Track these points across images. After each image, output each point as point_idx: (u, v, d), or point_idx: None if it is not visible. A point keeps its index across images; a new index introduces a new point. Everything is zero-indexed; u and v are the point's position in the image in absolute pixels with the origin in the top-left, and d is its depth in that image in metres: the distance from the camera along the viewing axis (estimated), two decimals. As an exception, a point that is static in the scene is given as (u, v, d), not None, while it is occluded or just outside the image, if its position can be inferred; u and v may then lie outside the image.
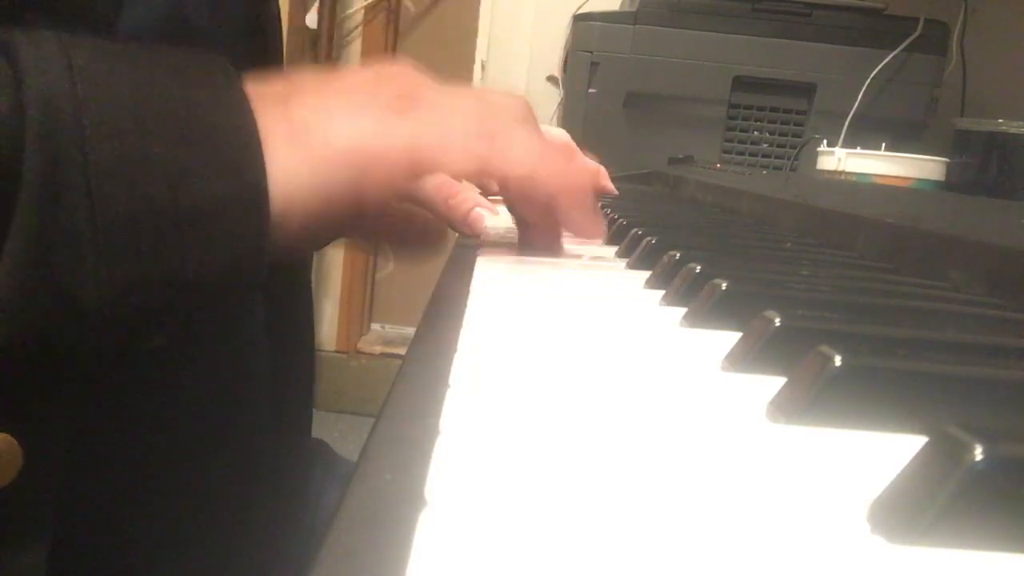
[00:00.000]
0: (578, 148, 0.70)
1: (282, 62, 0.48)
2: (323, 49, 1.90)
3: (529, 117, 0.38)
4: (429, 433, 0.17)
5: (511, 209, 0.45)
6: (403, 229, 0.42)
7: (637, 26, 1.26)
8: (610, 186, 0.75)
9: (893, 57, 1.23)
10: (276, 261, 0.31)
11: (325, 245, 0.42)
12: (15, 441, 0.27)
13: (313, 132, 0.31)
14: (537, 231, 0.43)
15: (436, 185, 0.56)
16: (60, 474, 0.29)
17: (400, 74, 0.35)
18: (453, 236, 0.55)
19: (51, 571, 0.29)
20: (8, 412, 0.27)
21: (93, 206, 0.25)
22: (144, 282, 0.27)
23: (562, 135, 0.67)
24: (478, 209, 0.55)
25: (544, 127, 0.64)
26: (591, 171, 0.40)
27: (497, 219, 0.56)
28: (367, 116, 0.32)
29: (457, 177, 0.35)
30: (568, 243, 0.51)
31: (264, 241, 0.29)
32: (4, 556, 0.28)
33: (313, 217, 0.31)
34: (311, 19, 1.84)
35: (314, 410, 0.59)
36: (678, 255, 0.36)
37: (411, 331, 1.14)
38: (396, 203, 0.40)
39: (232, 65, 0.31)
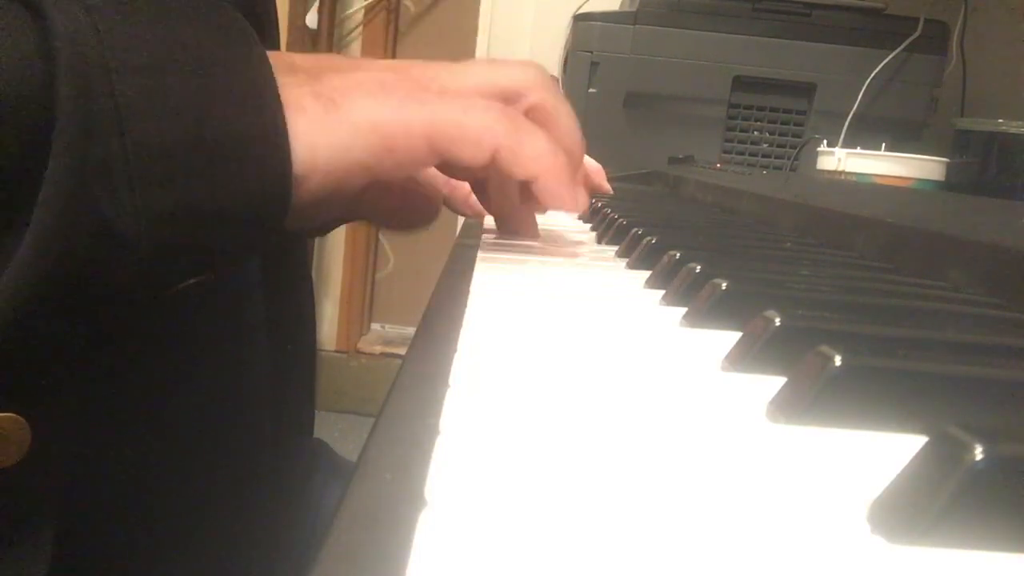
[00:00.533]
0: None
1: None
2: (323, 49, 1.90)
3: (548, 89, 0.40)
4: (429, 433, 0.17)
5: (487, 186, 0.47)
6: (399, 203, 0.43)
7: (637, 26, 1.26)
8: (606, 186, 0.75)
9: (893, 57, 1.24)
10: (269, 254, 0.31)
11: (327, 230, 0.42)
12: (24, 421, 0.28)
13: (340, 103, 0.32)
14: (517, 215, 0.46)
15: (434, 173, 0.56)
16: (68, 457, 0.30)
17: (423, 64, 0.37)
18: (453, 235, 0.55)
19: (56, 552, 0.29)
20: (18, 392, 0.28)
21: (124, 137, 0.26)
22: (177, 212, 0.28)
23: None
24: None
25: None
26: (581, 206, 0.41)
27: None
28: (392, 97, 0.34)
29: (468, 168, 0.36)
30: (568, 243, 0.51)
31: (287, 177, 0.30)
32: (10, 536, 0.28)
33: (331, 183, 0.32)
34: (311, 19, 1.84)
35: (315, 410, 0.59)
36: (678, 255, 0.36)
37: (411, 331, 1.14)
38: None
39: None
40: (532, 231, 0.48)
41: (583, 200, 0.41)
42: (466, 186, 0.55)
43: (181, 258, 0.29)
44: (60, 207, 0.25)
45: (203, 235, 0.29)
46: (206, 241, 0.29)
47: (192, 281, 0.31)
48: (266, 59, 0.31)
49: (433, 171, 0.56)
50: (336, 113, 0.32)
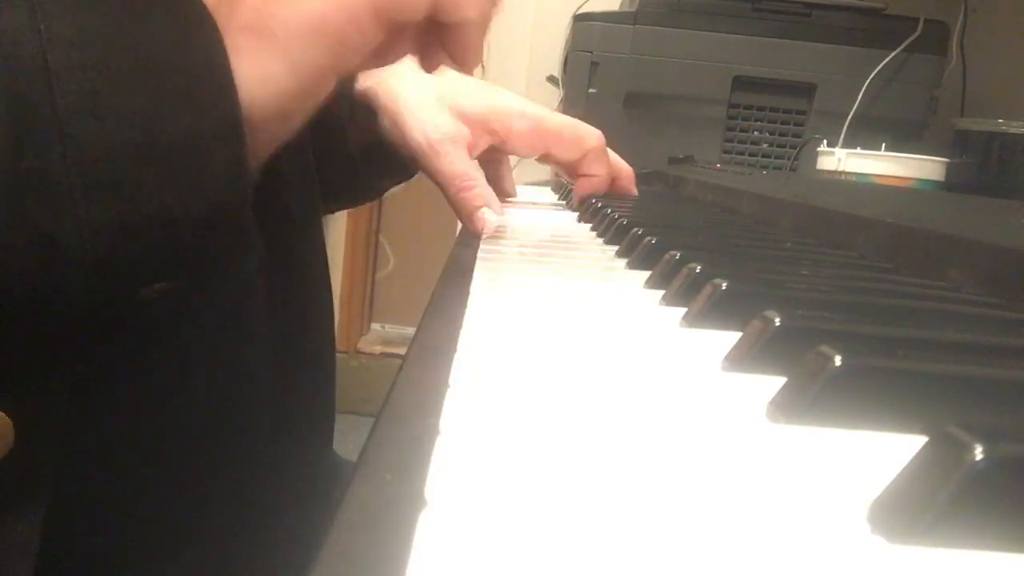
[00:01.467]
0: (606, 152, 0.71)
1: None
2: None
3: None
4: (429, 433, 0.17)
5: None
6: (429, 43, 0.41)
7: (637, 26, 1.26)
8: (634, 190, 0.76)
9: (893, 57, 1.23)
10: (268, 256, 0.31)
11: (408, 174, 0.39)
12: (7, 418, 0.27)
13: (273, 26, 0.30)
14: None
15: (454, 173, 0.56)
16: (54, 454, 0.29)
17: None
18: (453, 235, 0.55)
19: (44, 548, 0.29)
20: (1, 388, 0.27)
21: (65, 143, 0.25)
22: (126, 221, 0.26)
23: (596, 138, 0.68)
24: (484, 209, 0.55)
25: (578, 126, 0.64)
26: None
27: (503, 220, 0.56)
28: None
29: (414, 17, 0.35)
30: (568, 243, 0.51)
31: (244, 176, 0.29)
32: None
33: (307, 96, 0.31)
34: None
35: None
36: (678, 255, 0.36)
37: (411, 331, 1.14)
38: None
39: None
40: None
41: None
42: (473, 202, 0.55)
43: (133, 266, 0.27)
44: None
45: (154, 241, 0.27)
46: (158, 247, 0.27)
47: (159, 286, 0.28)
48: (219, 36, 0.29)
49: (447, 179, 0.56)
50: (272, 37, 0.30)
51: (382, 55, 0.40)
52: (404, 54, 0.42)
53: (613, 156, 0.73)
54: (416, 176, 0.66)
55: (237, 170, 0.28)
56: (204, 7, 0.29)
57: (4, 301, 0.25)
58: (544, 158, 0.67)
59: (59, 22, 0.25)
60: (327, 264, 0.58)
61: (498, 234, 0.52)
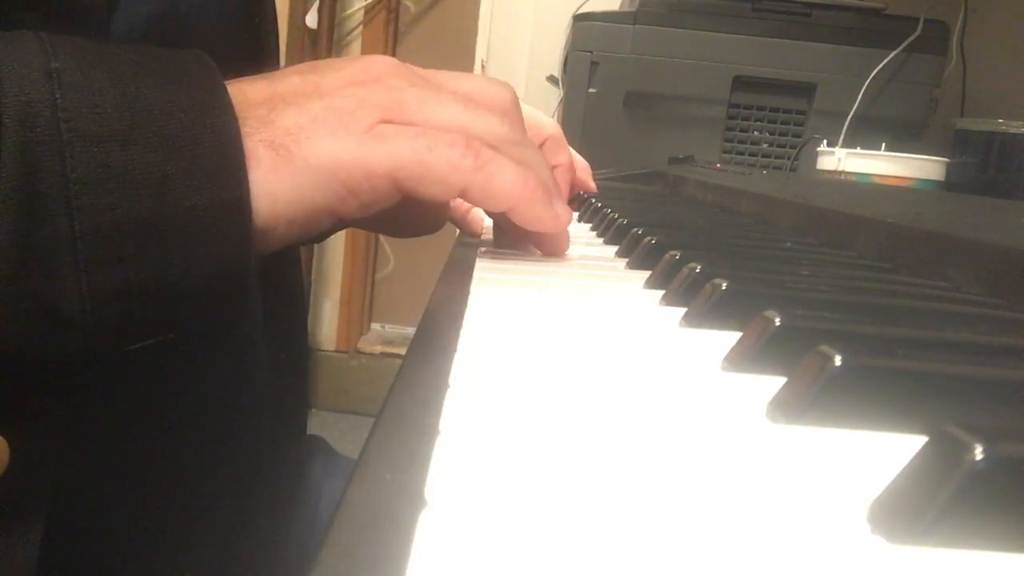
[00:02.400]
0: (565, 141, 0.70)
1: (278, 63, 0.48)
2: (323, 49, 1.90)
3: (513, 116, 0.38)
4: (429, 433, 0.17)
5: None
6: (399, 214, 0.42)
7: (637, 26, 1.26)
8: (591, 184, 0.75)
9: (893, 57, 1.24)
10: (267, 255, 0.31)
11: (320, 240, 0.42)
12: (2, 439, 0.27)
13: (295, 149, 0.31)
14: (511, 238, 0.44)
15: None
16: (51, 472, 0.29)
17: (384, 76, 0.34)
18: (453, 235, 0.56)
19: (41, 568, 0.29)
20: None
21: (72, 216, 0.25)
22: (127, 291, 0.26)
23: (552, 126, 0.67)
24: (476, 209, 0.55)
25: (535, 114, 0.64)
26: (563, 222, 0.39)
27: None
28: (351, 135, 0.32)
29: (439, 200, 0.35)
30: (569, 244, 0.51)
31: (248, 248, 0.29)
32: None
33: (297, 227, 0.31)
34: (311, 19, 1.84)
35: (314, 409, 0.59)
36: (678, 255, 0.36)
37: (411, 331, 1.14)
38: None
39: (222, 65, 0.30)
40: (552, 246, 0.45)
41: (565, 217, 0.39)
42: (465, 204, 0.56)
43: (130, 333, 0.28)
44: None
45: (154, 311, 0.27)
46: (157, 316, 0.28)
47: (149, 342, 0.29)
48: (235, 121, 0.29)
49: None
50: (292, 161, 0.30)
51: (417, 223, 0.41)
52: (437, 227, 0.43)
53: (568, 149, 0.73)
54: None
55: (243, 245, 0.29)
56: (222, 85, 0.30)
57: (3, 361, 0.25)
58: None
59: (75, 92, 0.26)
60: (301, 268, 0.58)
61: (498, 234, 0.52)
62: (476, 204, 0.36)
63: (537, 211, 0.37)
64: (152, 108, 0.27)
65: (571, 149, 0.73)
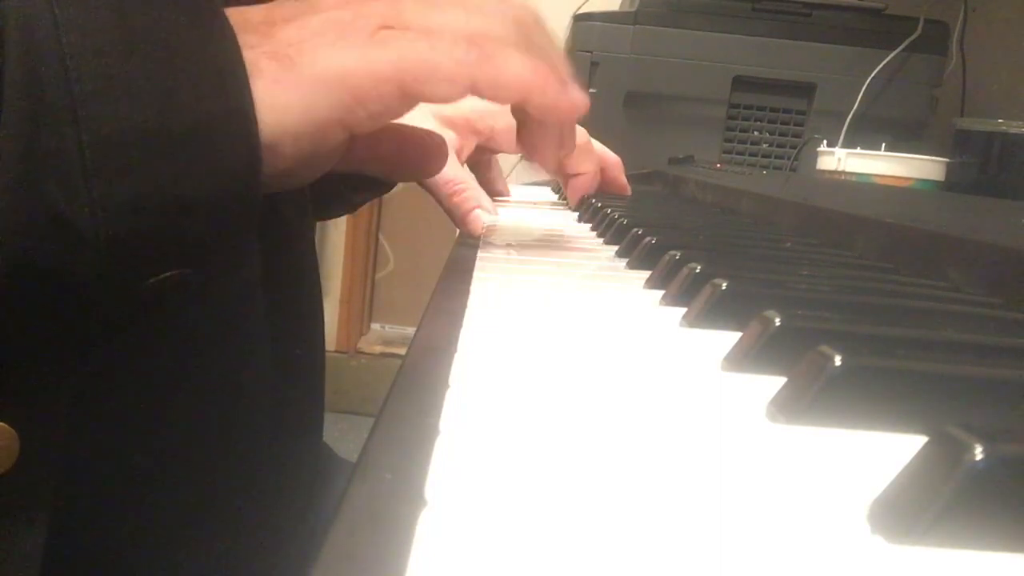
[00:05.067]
0: (594, 140, 0.70)
1: None
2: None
3: (528, 28, 0.37)
4: (429, 433, 0.17)
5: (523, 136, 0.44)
6: (396, 150, 0.41)
7: (637, 26, 1.26)
8: (623, 180, 0.75)
9: (893, 57, 1.23)
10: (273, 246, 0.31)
11: (317, 175, 0.41)
12: (12, 430, 0.27)
13: (298, 60, 0.31)
14: (536, 139, 0.43)
15: (444, 179, 0.56)
16: (58, 464, 0.29)
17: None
18: (453, 235, 0.56)
19: (47, 560, 0.29)
20: (5, 401, 0.27)
21: (79, 125, 0.25)
22: (138, 203, 0.26)
23: (580, 131, 0.68)
24: (478, 211, 0.55)
25: None
26: (578, 105, 0.39)
27: (497, 219, 0.57)
28: (352, 43, 0.32)
29: (448, 101, 0.34)
30: (568, 243, 0.51)
31: (256, 160, 0.29)
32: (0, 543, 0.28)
33: (305, 143, 0.31)
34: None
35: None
36: (678, 255, 0.36)
37: (411, 331, 1.14)
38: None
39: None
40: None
41: (580, 98, 0.38)
42: (466, 204, 0.56)
43: (145, 253, 0.28)
44: (8, 199, 0.24)
45: (167, 226, 0.27)
46: (171, 232, 0.28)
47: (170, 274, 0.29)
48: (233, 35, 0.29)
49: (438, 184, 0.56)
50: (296, 71, 0.30)
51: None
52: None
53: (599, 146, 0.73)
54: None
55: (249, 156, 0.29)
56: (216, 5, 0.30)
57: (20, 282, 0.25)
58: (530, 155, 0.67)
59: (73, 8, 0.26)
60: (317, 264, 0.58)
61: (498, 234, 0.52)
62: (488, 98, 0.36)
63: (551, 97, 0.36)
64: (149, 22, 0.27)
65: (601, 146, 0.73)
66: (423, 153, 0.42)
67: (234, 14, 0.30)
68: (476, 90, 0.34)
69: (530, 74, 0.35)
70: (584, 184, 0.69)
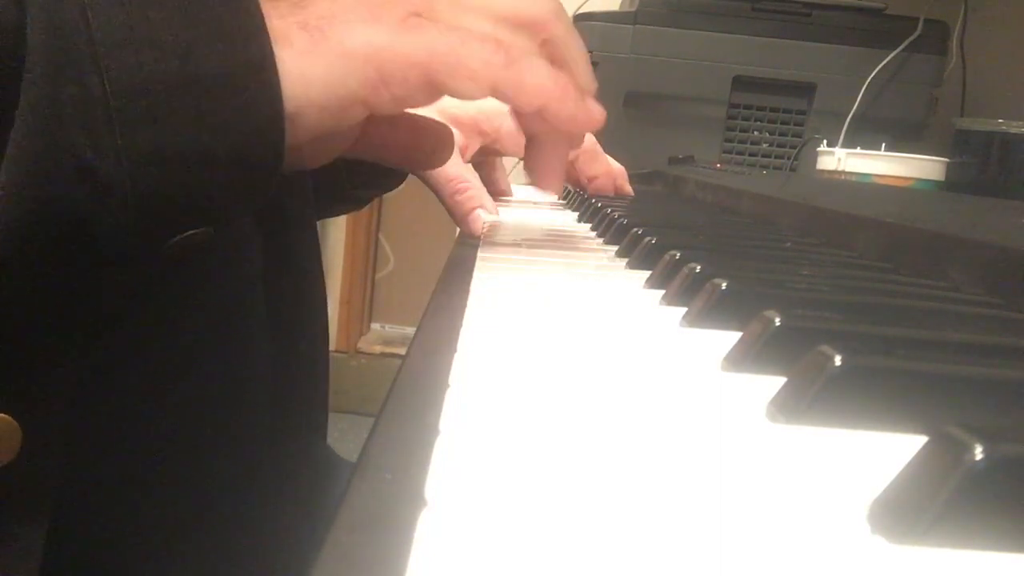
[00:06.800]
0: (600, 150, 0.71)
1: None
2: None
3: (560, 23, 0.38)
4: (429, 433, 0.17)
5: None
6: (408, 139, 0.41)
7: (637, 26, 1.26)
8: (628, 188, 0.76)
9: (893, 57, 1.23)
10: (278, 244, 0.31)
11: (330, 157, 0.41)
12: (15, 422, 0.27)
13: (329, 33, 0.31)
14: (542, 153, 0.43)
15: (447, 177, 0.56)
16: (60, 457, 0.29)
17: None
18: (453, 235, 0.56)
19: (47, 552, 0.29)
20: (8, 393, 0.27)
21: (102, 75, 0.25)
22: (163, 153, 0.27)
23: (588, 139, 0.68)
24: (479, 211, 0.56)
25: None
26: (596, 118, 0.39)
27: (498, 219, 0.57)
28: (385, 25, 0.32)
29: (469, 98, 0.35)
30: (568, 243, 0.51)
31: (279, 115, 0.29)
32: (1, 536, 0.28)
33: (327, 117, 0.31)
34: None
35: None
36: (678, 255, 0.36)
37: (411, 331, 1.14)
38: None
39: None
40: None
41: (597, 112, 0.39)
42: (468, 204, 0.56)
43: (170, 207, 0.28)
44: (33, 147, 0.24)
45: (192, 180, 0.27)
46: (196, 186, 0.28)
47: (188, 234, 0.29)
48: None
49: (441, 182, 0.56)
50: (325, 43, 0.31)
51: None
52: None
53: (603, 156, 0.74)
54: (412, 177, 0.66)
55: (271, 112, 0.29)
56: None
57: (45, 230, 0.25)
58: (532, 172, 0.67)
59: None
60: (321, 262, 0.58)
61: (498, 234, 0.52)
62: (508, 102, 0.36)
63: (570, 108, 0.37)
64: None
65: (607, 156, 0.75)
66: (435, 143, 0.42)
67: None
68: (497, 93, 0.35)
69: (551, 84, 0.36)
70: (605, 185, 0.70)
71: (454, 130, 0.60)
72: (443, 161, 0.43)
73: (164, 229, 0.28)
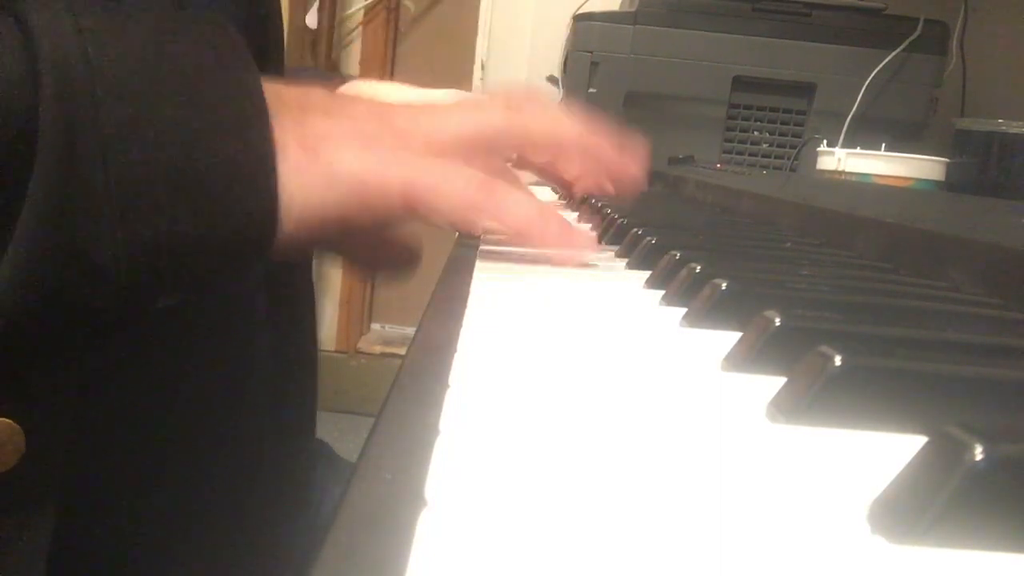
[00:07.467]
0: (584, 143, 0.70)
1: (283, 59, 0.48)
2: (323, 49, 1.90)
3: (527, 123, 0.40)
4: (429, 433, 0.17)
5: None
6: (378, 251, 0.43)
7: (637, 26, 1.26)
8: (610, 187, 0.75)
9: (893, 57, 1.24)
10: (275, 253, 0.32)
11: (302, 255, 0.43)
12: (18, 427, 0.28)
13: (321, 153, 0.32)
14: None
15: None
16: (62, 460, 0.30)
17: (407, 112, 0.37)
18: (453, 236, 0.56)
19: (53, 556, 0.29)
20: (10, 398, 0.28)
21: (108, 168, 0.26)
22: (159, 243, 0.27)
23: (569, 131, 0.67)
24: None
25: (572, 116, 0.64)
26: (580, 243, 0.41)
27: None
28: (374, 152, 0.34)
29: (446, 222, 0.37)
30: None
31: (274, 202, 0.30)
32: (5, 540, 0.28)
33: (303, 231, 0.32)
34: (311, 19, 1.84)
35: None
36: (678, 255, 0.36)
37: (411, 331, 1.14)
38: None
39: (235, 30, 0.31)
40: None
41: (579, 240, 0.41)
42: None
43: (159, 285, 0.29)
44: (37, 236, 0.25)
45: (184, 264, 0.29)
46: (187, 270, 0.29)
47: (170, 301, 0.30)
48: (259, 87, 0.30)
49: None
50: (316, 164, 0.32)
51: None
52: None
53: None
54: None
55: (268, 200, 0.30)
56: (242, 44, 0.31)
57: (37, 307, 0.26)
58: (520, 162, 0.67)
59: (105, 49, 0.27)
60: (311, 263, 0.58)
61: (498, 234, 0.52)
62: (492, 223, 0.38)
63: (548, 242, 0.39)
64: (178, 66, 0.28)
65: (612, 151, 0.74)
66: (402, 259, 0.44)
67: (269, 88, 0.31)
68: (479, 216, 0.37)
69: (532, 216, 0.38)
70: (585, 187, 0.69)
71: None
72: (406, 274, 0.45)
73: (150, 301, 0.30)
